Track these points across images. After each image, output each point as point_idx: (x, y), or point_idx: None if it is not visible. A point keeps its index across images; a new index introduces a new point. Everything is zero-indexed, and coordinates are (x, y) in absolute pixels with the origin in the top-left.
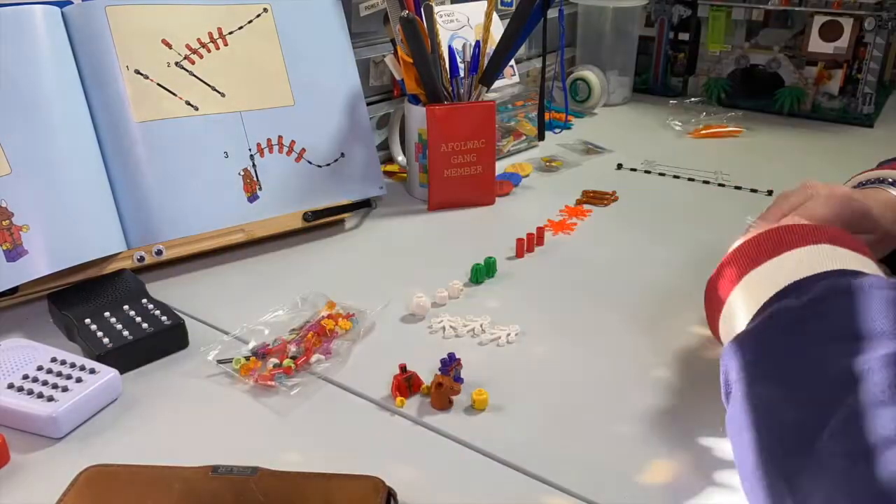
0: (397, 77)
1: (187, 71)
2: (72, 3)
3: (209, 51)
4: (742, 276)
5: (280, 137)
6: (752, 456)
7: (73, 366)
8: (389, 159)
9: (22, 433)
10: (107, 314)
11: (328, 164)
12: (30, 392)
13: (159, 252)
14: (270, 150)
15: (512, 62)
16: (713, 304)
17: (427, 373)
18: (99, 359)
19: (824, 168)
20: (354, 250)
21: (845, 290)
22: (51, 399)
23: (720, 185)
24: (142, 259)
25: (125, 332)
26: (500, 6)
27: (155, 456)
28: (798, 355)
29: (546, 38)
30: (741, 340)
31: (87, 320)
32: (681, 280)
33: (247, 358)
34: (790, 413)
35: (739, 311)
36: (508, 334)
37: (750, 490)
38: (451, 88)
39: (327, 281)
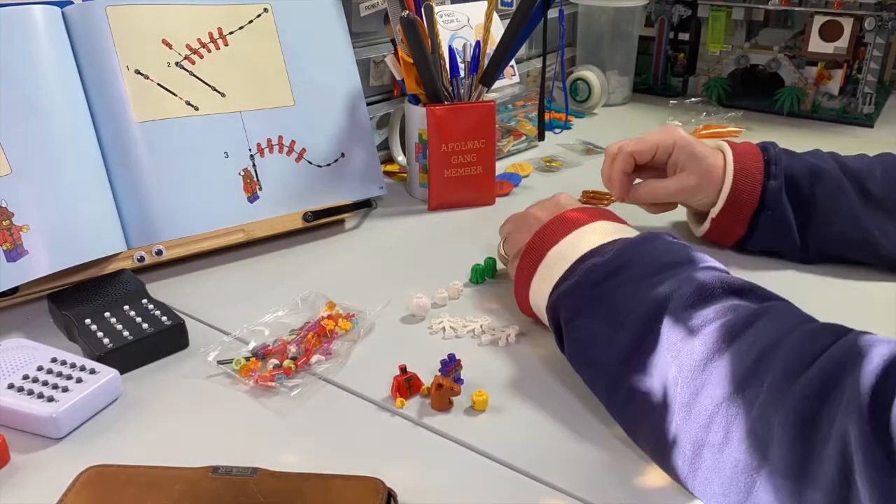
0: (397, 77)
1: (187, 71)
2: (72, 3)
3: (209, 51)
4: (546, 252)
5: (280, 137)
6: (595, 379)
7: (73, 366)
8: (389, 159)
9: (22, 433)
10: (107, 314)
11: (328, 164)
12: (30, 392)
13: (159, 252)
14: (270, 150)
15: (512, 62)
16: (523, 278)
17: (427, 374)
18: (99, 359)
19: None
20: (354, 250)
21: (637, 243)
22: (51, 399)
23: None
24: (142, 259)
25: (125, 333)
26: (500, 6)
27: (155, 456)
28: (615, 296)
29: (546, 38)
30: (564, 294)
31: (87, 320)
32: None
33: (247, 358)
34: (622, 336)
35: (550, 275)
36: (508, 335)
37: (605, 405)
38: (451, 88)
39: (327, 281)
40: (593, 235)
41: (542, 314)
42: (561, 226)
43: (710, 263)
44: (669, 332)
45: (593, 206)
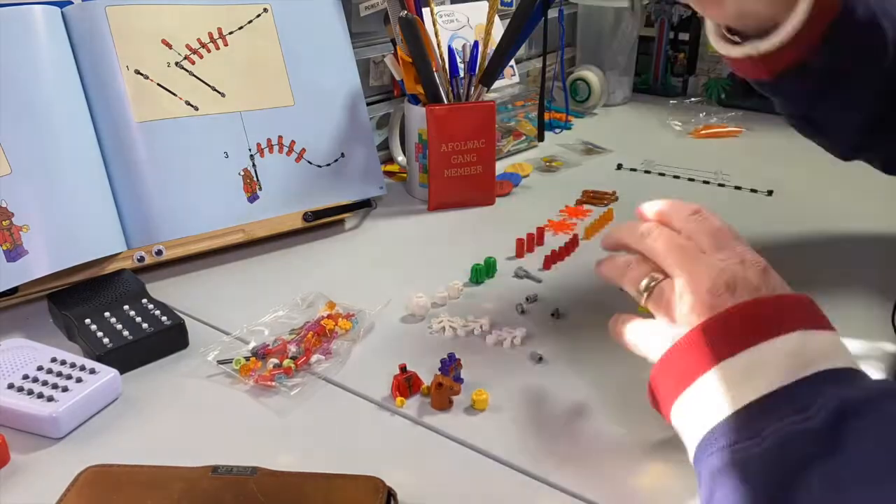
0: (397, 77)
1: (187, 71)
2: (72, 3)
3: (209, 51)
4: (711, 365)
5: (280, 137)
6: None
7: (73, 366)
8: (389, 159)
9: (22, 433)
10: (107, 314)
11: (328, 164)
12: (30, 392)
13: (159, 252)
14: (270, 150)
15: (512, 62)
16: (668, 384)
17: (427, 373)
18: (99, 359)
19: (824, 168)
20: (354, 250)
21: (856, 410)
22: (51, 399)
23: (720, 185)
24: (142, 259)
25: (125, 332)
26: (500, 6)
27: (155, 456)
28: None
29: (546, 38)
30: (738, 462)
31: (87, 320)
32: None
33: (247, 358)
34: None
35: (705, 410)
36: (514, 337)
37: None
38: (451, 88)
39: (327, 281)
40: (781, 361)
41: (679, 430)
42: (755, 321)
43: None
44: None
45: (797, 293)
